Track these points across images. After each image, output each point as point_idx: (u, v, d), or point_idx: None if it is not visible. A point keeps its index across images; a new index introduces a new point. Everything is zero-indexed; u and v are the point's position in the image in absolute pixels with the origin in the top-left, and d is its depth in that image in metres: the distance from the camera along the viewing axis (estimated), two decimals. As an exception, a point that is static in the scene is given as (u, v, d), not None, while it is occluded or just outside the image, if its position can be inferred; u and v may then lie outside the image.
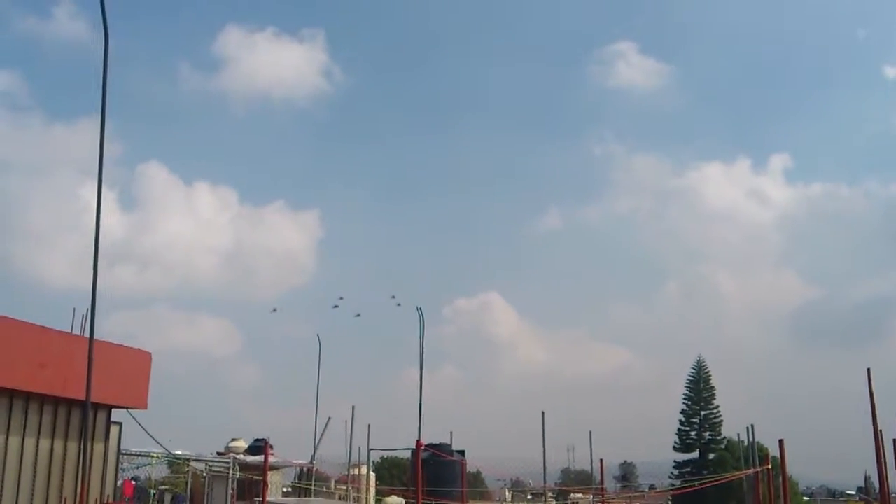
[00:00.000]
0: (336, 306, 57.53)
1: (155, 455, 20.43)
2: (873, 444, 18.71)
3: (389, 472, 63.71)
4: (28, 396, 11.66)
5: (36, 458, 11.79)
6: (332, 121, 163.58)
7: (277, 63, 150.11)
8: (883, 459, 18.95)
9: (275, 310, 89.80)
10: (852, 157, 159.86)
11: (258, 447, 29.35)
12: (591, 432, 37.91)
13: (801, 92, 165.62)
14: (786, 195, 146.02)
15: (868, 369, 18.58)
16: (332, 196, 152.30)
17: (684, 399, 71.36)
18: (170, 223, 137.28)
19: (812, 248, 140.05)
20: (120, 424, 13.89)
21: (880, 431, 18.87)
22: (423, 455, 20.15)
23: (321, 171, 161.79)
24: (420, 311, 30.48)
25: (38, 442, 11.85)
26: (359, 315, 60.04)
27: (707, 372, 71.24)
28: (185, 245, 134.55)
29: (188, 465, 24.37)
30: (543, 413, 33.23)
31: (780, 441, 20.12)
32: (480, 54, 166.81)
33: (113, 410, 13.47)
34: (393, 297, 63.50)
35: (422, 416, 27.96)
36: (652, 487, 66.84)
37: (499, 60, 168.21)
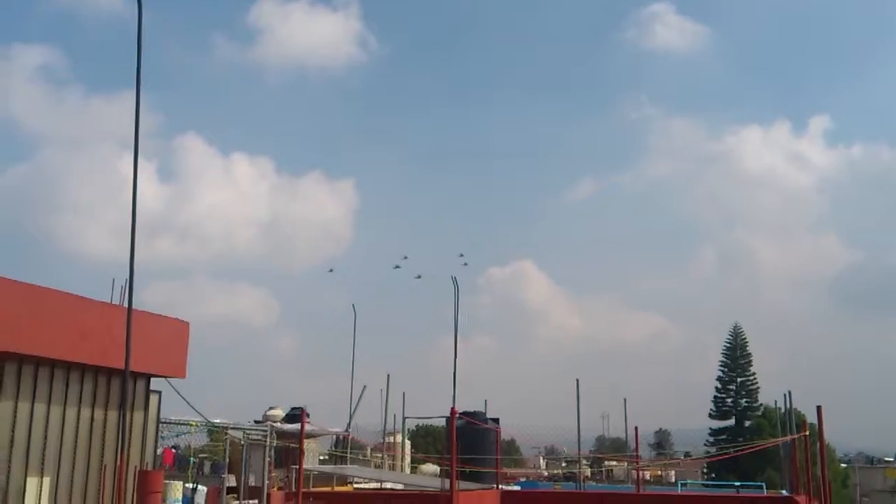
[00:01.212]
0: (398, 266, 58.14)
1: (194, 423, 20.73)
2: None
3: (424, 440, 64.43)
4: (69, 366, 11.87)
5: (77, 427, 12.03)
6: (367, 90, 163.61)
7: (312, 32, 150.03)
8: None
9: (331, 270, 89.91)
10: (894, 118, 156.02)
11: (295, 415, 29.72)
12: (625, 399, 37.85)
13: (841, 51, 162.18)
14: (826, 158, 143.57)
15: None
16: (368, 165, 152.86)
17: (720, 366, 71.05)
18: (208, 194, 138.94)
19: (853, 212, 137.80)
20: (159, 393, 14.10)
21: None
22: (457, 423, 20.22)
23: (357, 140, 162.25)
24: (455, 280, 30.56)
25: (79, 411, 12.08)
26: (419, 276, 60.49)
27: (744, 338, 70.81)
28: (224, 215, 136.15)
29: (226, 434, 24.71)
30: (578, 381, 33.19)
31: (819, 407, 19.80)
32: (516, 22, 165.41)
33: (152, 379, 13.67)
34: (461, 255, 64.12)
35: (456, 385, 28.13)
36: (687, 455, 66.74)
37: (534, 28, 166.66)
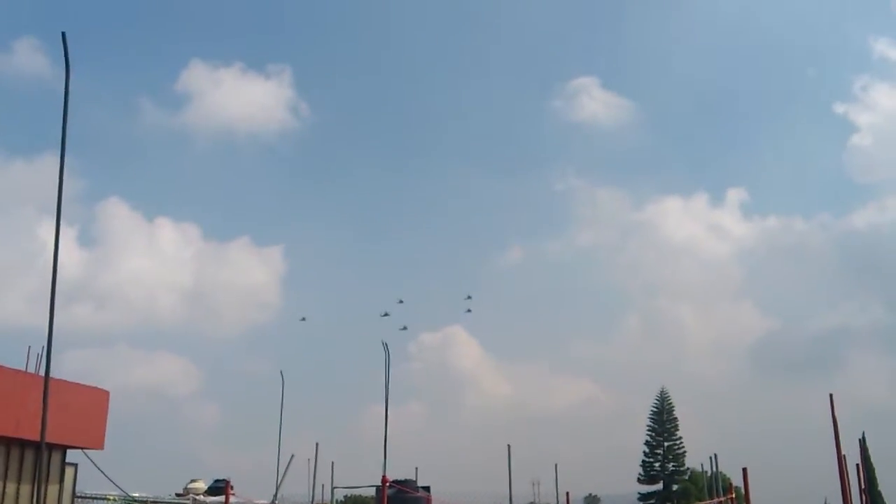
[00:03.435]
0: (387, 314, 58.18)
1: (111, 497, 19.84)
2: (836, 468, 18.91)
3: (352, 511, 62.73)
4: (-21, 438, 11.28)
5: (-14, 503, 11.39)
6: (298, 157, 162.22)
7: (243, 99, 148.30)
8: (847, 482, 19.15)
9: (303, 319, 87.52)
10: (806, 191, 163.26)
11: (218, 488, 28.75)
12: (556, 465, 37.84)
13: (756, 128, 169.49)
14: (743, 228, 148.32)
15: (831, 395, 18.82)
16: (298, 232, 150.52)
17: (648, 430, 71.61)
18: (130, 260, 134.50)
19: (769, 281, 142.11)
20: (75, 466, 13.49)
21: (844, 456, 19.09)
22: (388, 492, 19.83)
23: (286, 207, 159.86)
24: (385, 345, 30.26)
25: (-12, 485, 11.44)
26: (405, 328, 60.72)
27: (670, 403, 71.68)
28: (146, 282, 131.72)
29: (146, 508, 23.71)
30: (510, 447, 33.10)
31: (744, 470, 20.17)
32: (447, 90, 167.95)
33: (68, 451, 13.08)
34: (469, 297, 64.91)
35: (387, 452, 27.67)
36: (617, 520, 66.72)
37: (465, 95, 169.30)
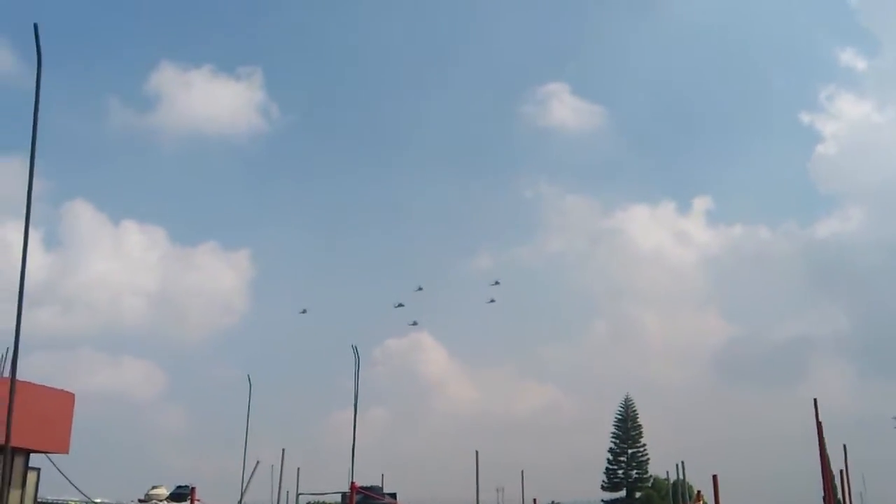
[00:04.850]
0: (401, 305, 59.97)
1: (73, 503, 19.34)
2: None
3: (316, 518, 62.20)
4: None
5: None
6: (268, 159, 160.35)
7: (213, 101, 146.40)
8: (831, 487, 19.28)
9: (304, 311, 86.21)
10: (772, 200, 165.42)
11: (181, 494, 28.31)
12: (522, 472, 37.79)
13: (723, 137, 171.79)
14: (708, 236, 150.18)
15: (815, 399, 18.92)
16: (266, 236, 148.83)
17: (612, 437, 72.06)
18: (95, 263, 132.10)
19: (734, 289, 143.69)
20: (38, 470, 13.11)
21: (828, 459, 19.20)
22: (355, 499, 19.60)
23: (255, 210, 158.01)
24: (355, 349, 29.93)
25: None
26: (415, 323, 61.92)
27: (634, 410, 72.23)
28: (112, 285, 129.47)
29: (109, 514, 23.20)
30: (478, 453, 33.01)
31: (714, 477, 20.14)
32: (418, 94, 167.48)
33: (31, 455, 12.70)
34: (497, 282, 65.32)
35: (354, 458, 27.40)
36: (580, 527, 66.98)
37: (436, 100, 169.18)
